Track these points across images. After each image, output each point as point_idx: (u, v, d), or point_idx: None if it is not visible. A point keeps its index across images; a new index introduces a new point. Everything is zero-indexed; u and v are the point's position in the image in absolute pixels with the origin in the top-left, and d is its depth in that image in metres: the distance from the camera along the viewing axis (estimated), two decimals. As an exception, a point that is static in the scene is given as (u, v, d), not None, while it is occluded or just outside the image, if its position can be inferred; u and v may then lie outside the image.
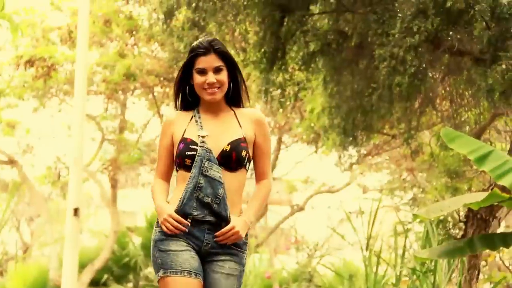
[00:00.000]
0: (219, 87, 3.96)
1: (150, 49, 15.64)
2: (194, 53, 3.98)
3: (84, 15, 11.79)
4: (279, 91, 9.48)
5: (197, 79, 3.97)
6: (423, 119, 10.20)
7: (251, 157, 4.03)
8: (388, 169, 17.49)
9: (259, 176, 4.12)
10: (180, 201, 3.87)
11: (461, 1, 6.96)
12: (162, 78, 14.89)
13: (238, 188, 3.97)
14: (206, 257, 3.92)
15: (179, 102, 4.12)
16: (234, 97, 4.09)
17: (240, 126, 4.02)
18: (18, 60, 14.56)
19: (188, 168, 3.89)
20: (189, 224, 3.84)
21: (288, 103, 10.20)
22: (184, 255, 3.85)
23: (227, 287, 3.90)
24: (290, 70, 9.58)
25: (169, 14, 8.79)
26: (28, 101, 15.88)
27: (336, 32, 8.64)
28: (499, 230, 8.40)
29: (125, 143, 16.97)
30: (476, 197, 5.67)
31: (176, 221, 3.83)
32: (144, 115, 17.57)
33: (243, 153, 3.94)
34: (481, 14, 6.90)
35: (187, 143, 3.92)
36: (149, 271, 17.14)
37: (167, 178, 4.09)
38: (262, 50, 8.66)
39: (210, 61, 3.96)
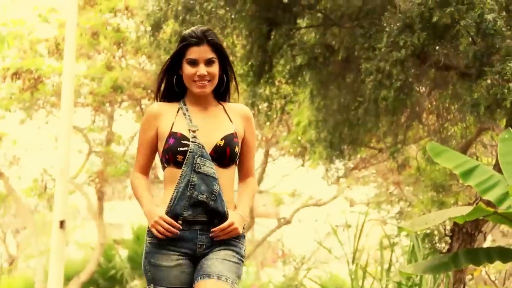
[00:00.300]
0: (209, 80, 3.76)
1: (138, 62, 15.65)
2: (186, 43, 3.77)
3: (71, 27, 11.79)
4: (266, 104, 9.49)
5: (187, 70, 3.76)
6: (410, 133, 10.23)
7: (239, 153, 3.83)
8: (375, 182, 17.51)
9: (246, 174, 3.93)
10: (170, 201, 3.67)
11: (447, 16, 6.99)
12: (149, 91, 14.88)
13: (230, 185, 3.78)
14: (201, 257, 3.71)
15: (160, 92, 3.91)
16: (224, 92, 3.90)
17: (231, 121, 3.83)
18: (5, 72, 14.54)
19: (179, 165, 3.68)
20: (180, 227, 3.65)
21: (275, 116, 10.21)
22: (174, 271, 3.68)
23: (222, 268, 3.65)
24: (277, 83, 9.59)
25: (156, 27, 8.79)
26: (15, 112, 15.86)
27: (323, 46, 8.66)
28: (485, 245, 8.42)
29: (112, 155, 16.95)
30: (461, 211, 5.68)
31: (168, 224, 3.64)
32: (131, 127, 17.56)
33: (236, 148, 3.76)
34: (466, 29, 6.93)
35: (177, 138, 3.70)
36: (135, 283, 17.11)
37: (147, 172, 3.89)
38: (249, 63, 8.66)
39: (202, 52, 3.75)
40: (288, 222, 19.13)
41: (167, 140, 3.72)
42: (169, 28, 9.01)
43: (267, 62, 8.71)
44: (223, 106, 3.89)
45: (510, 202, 5.68)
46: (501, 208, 5.88)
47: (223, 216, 3.70)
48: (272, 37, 8.55)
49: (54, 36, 14.92)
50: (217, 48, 3.79)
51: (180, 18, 8.34)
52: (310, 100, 9.45)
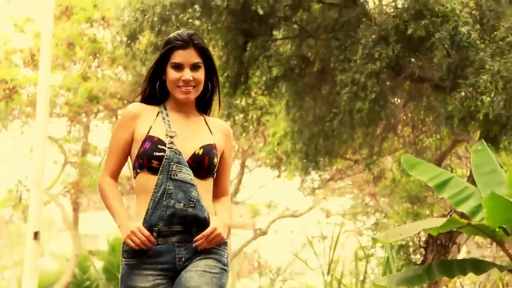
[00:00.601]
0: (194, 86, 3.54)
1: (114, 72, 15.60)
2: (171, 46, 3.54)
3: (47, 38, 11.73)
4: (242, 115, 9.48)
5: (172, 74, 3.53)
6: (385, 145, 10.26)
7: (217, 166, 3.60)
8: (351, 194, 17.56)
9: (221, 192, 3.69)
10: (146, 212, 3.42)
11: (422, 29, 7.04)
12: (125, 101, 14.83)
13: (208, 195, 3.55)
14: (181, 270, 3.43)
15: (140, 97, 3.67)
16: (206, 102, 3.70)
17: (211, 133, 3.62)
18: (-20, 82, 14.43)
19: (153, 171, 3.43)
20: (155, 242, 3.40)
21: (251, 127, 10.20)
22: None
23: (201, 282, 3.36)
24: (253, 94, 9.60)
25: (132, 38, 8.77)
26: (-10, 123, 15.75)
27: (298, 58, 8.68)
28: (459, 256, 8.46)
29: (88, 166, 16.87)
30: (435, 223, 5.72)
31: (145, 236, 3.38)
32: (107, 138, 17.47)
33: (215, 160, 3.53)
34: (441, 42, 6.98)
35: (154, 142, 3.45)
36: (110, 295, 17.00)
37: (116, 177, 3.63)
38: (225, 74, 8.66)
39: (188, 56, 3.52)
40: (264, 233, 19.12)
41: (142, 144, 3.48)
42: (145, 39, 9.00)
43: (243, 73, 8.71)
44: (204, 118, 3.69)
45: (484, 214, 5.72)
46: (475, 220, 5.93)
47: (204, 222, 3.44)
48: (248, 48, 8.56)
49: (30, 46, 14.86)
50: (204, 53, 3.58)
51: (156, 29, 8.34)
52: (286, 111, 9.46)
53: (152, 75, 3.62)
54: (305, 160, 9.33)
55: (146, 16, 8.39)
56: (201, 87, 3.60)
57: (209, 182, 3.57)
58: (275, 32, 8.80)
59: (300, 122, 9.27)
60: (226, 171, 3.72)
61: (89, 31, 14.77)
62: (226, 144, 3.68)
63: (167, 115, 3.57)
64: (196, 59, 3.55)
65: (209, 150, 3.52)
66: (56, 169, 17.61)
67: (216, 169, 3.59)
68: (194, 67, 3.55)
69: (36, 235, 11.21)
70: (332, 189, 17.33)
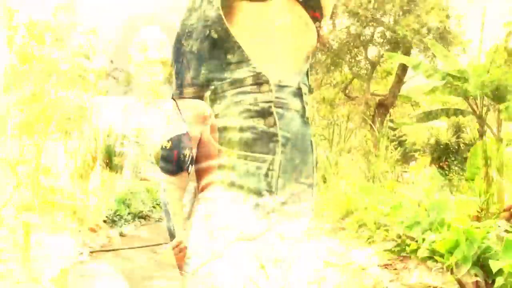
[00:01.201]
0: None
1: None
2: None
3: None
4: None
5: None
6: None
7: (194, 158, 3.35)
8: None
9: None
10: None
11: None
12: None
13: (179, 195, 3.30)
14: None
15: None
16: (177, 83, 3.43)
17: (183, 120, 3.36)
18: None
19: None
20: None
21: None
22: None
23: None
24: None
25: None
26: None
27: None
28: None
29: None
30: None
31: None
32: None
33: (186, 152, 3.31)
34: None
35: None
36: (62, 318, 16.80)
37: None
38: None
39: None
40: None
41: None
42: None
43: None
44: (176, 103, 3.40)
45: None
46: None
47: (170, 233, 3.20)
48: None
49: (-18, 66, 14.70)
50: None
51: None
52: (240, 135, 9.46)
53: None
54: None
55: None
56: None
57: (182, 178, 3.32)
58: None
59: (254, 145, 9.27)
60: (210, 155, 3.48)
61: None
62: (204, 127, 3.41)
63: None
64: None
65: (179, 141, 3.25)
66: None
67: (189, 161, 3.33)
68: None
69: (-14, 258, 11.06)
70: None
